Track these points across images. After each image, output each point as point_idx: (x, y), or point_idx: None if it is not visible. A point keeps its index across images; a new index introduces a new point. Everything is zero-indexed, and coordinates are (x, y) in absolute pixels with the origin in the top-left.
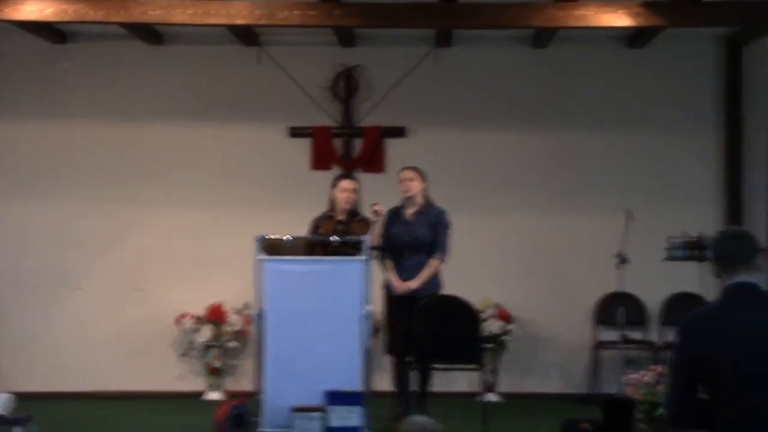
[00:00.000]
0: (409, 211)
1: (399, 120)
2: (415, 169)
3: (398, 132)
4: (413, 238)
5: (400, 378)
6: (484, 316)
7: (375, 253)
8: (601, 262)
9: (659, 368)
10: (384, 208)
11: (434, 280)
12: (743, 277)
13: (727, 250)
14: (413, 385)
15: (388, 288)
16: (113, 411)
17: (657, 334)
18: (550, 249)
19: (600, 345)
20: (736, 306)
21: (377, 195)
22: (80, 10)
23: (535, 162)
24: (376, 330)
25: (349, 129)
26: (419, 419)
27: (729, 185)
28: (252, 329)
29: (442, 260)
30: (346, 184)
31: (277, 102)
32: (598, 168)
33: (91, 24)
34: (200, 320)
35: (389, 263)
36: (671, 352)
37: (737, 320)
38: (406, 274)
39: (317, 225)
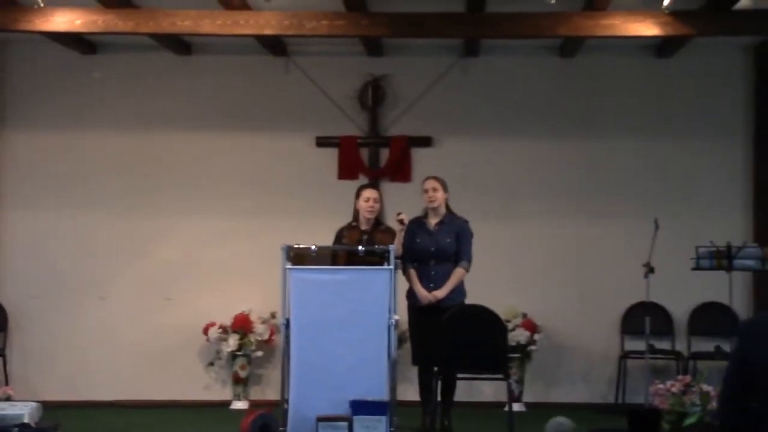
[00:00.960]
0: (433, 221)
1: (426, 130)
2: (438, 178)
3: (425, 142)
4: (438, 248)
5: (426, 387)
6: (510, 325)
7: (399, 262)
8: (628, 272)
9: (686, 378)
10: (407, 217)
11: (459, 290)
12: None
13: None
14: (439, 394)
15: (411, 298)
16: (139, 420)
17: (684, 344)
18: (577, 258)
19: (626, 355)
20: None
21: (403, 204)
22: (110, 21)
23: (563, 171)
24: (401, 340)
25: (375, 138)
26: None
27: (757, 194)
28: (278, 338)
29: (467, 269)
30: (368, 193)
31: (305, 112)
32: (625, 177)
33: (120, 35)
34: (226, 329)
35: (413, 273)
36: (729, 358)
37: None
38: (431, 284)
39: (341, 235)
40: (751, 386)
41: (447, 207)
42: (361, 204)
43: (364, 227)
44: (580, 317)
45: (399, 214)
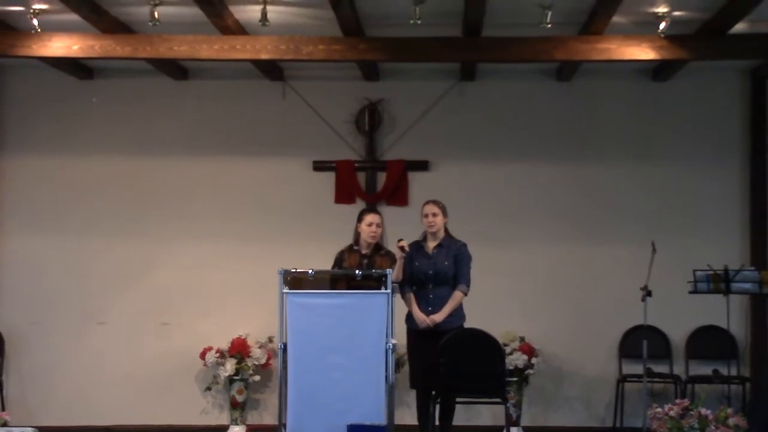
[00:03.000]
0: (431, 244)
1: (422, 154)
2: (438, 203)
3: (422, 166)
4: (436, 271)
5: (424, 411)
6: (508, 349)
7: (397, 287)
8: (626, 295)
9: (684, 402)
10: (407, 243)
11: (458, 313)
12: None
13: None
14: (437, 418)
15: (410, 321)
16: None
17: (682, 367)
18: (574, 282)
19: (624, 378)
20: None
21: (401, 228)
22: (107, 46)
23: (559, 195)
24: (399, 363)
25: (372, 163)
26: None
27: (753, 217)
28: (275, 363)
29: (465, 293)
30: (371, 218)
31: (302, 136)
32: (622, 201)
33: (117, 60)
34: (224, 354)
35: (411, 296)
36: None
37: None
38: (430, 307)
39: (342, 258)
40: None
41: (446, 230)
42: (364, 228)
43: (364, 251)
44: (578, 341)
45: (400, 240)
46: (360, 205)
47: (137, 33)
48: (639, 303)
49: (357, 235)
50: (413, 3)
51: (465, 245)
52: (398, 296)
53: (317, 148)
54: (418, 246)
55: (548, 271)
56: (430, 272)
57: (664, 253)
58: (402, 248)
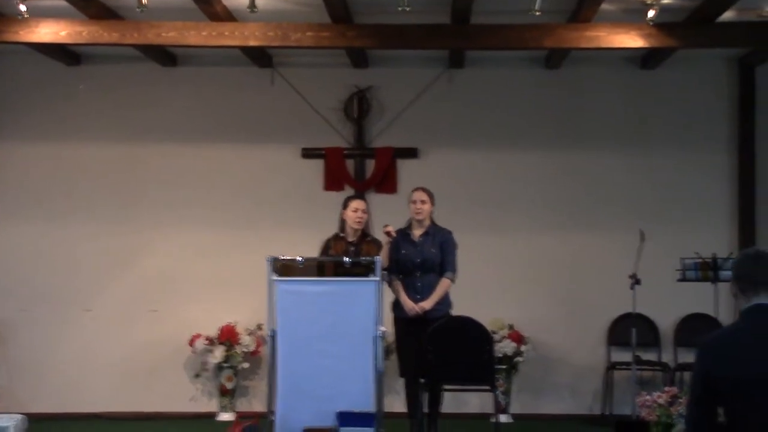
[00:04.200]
0: (417, 232)
1: (411, 141)
2: (426, 190)
3: (410, 153)
4: (424, 259)
5: (413, 399)
6: (496, 337)
7: (385, 274)
8: (614, 283)
9: (673, 389)
10: (394, 229)
11: (445, 300)
12: (763, 300)
13: (748, 271)
14: (426, 406)
15: (397, 309)
16: None
17: (670, 355)
18: (563, 270)
19: (613, 366)
20: (755, 328)
21: (389, 216)
22: (94, 32)
23: (548, 182)
24: (388, 351)
25: (361, 150)
26: None
27: (742, 206)
28: (264, 350)
29: (452, 280)
30: (356, 204)
31: (290, 123)
32: (610, 188)
33: (105, 46)
34: (213, 341)
35: (398, 284)
36: (691, 375)
37: (755, 343)
38: (417, 295)
39: (328, 246)
40: (718, 402)
41: (431, 218)
42: (349, 215)
43: (350, 238)
44: (567, 329)
45: (386, 226)
46: (349, 192)
47: (125, 19)
48: (628, 291)
49: (342, 223)
50: None
51: (450, 233)
52: (386, 284)
53: (306, 135)
54: (403, 234)
55: (537, 259)
56: (418, 260)
57: (652, 241)
58: (388, 233)
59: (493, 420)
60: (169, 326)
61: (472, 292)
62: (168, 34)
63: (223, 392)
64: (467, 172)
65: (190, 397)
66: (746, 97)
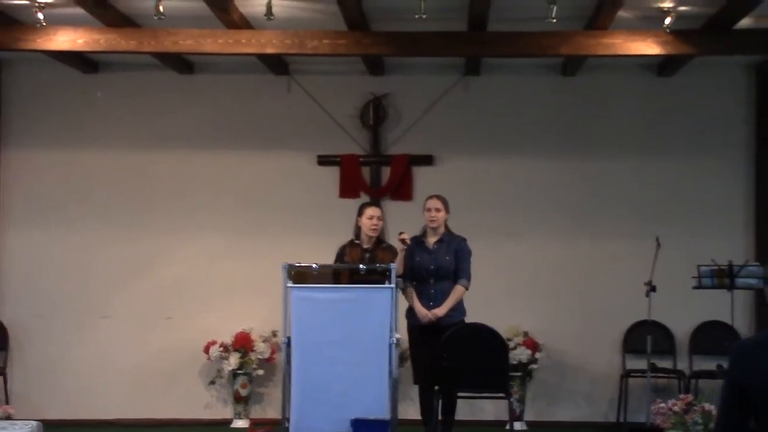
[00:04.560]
0: (431, 240)
1: (427, 148)
2: (441, 198)
3: (426, 160)
4: (438, 266)
5: (427, 406)
6: (511, 344)
7: (399, 281)
8: (630, 290)
9: (688, 397)
10: (409, 236)
11: (459, 307)
12: None
13: None
14: (440, 413)
15: (410, 317)
16: None
17: (686, 362)
18: (578, 276)
19: (628, 373)
20: None
21: (405, 223)
22: (112, 40)
23: (564, 189)
24: (403, 358)
25: (377, 157)
26: None
27: (758, 213)
28: (279, 357)
29: (466, 287)
30: (371, 211)
31: (306, 130)
32: (626, 195)
33: (122, 53)
34: (228, 348)
35: (412, 291)
36: (723, 381)
37: None
38: (431, 302)
39: (343, 253)
40: (751, 410)
41: (446, 226)
42: (365, 222)
43: (365, 245)
44: (582, 336)
45: (401, 233)
46: (364, 199)
47: (142, 27)
48: (643, 298)
49: (357, 230)
50: None
51: (465, 240)
52: (399, 291)
53: (322, 142)
54: (418, 241)
55: (552, 266)
56: (432, 267)
57: (668, 249)
58: (403, 241)
59: (507, 427)
60: (184, 333)
61: (487, 299)
62: (185, 42)
63: (238, 399)
64: (483, 179)
65: (204, 404)
66: (763, 104)
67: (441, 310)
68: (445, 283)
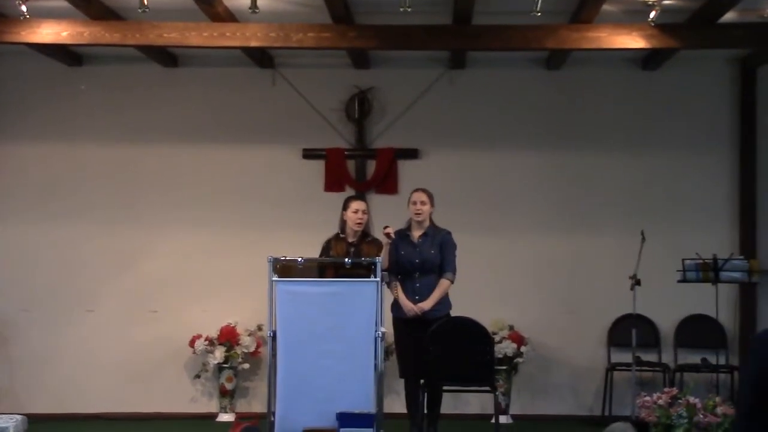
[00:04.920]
0: (416, 233)
1: (412, 142)
2: (426, 191)
3: (411, 154)
4: (423, 260)
5: (413, 400)
6: (497, 337)
7: (384, 275)
8: (615, 284)
9: (673, 390)
10: (393, 230)
11: (444, 301)
12: None
13: None
14: (425, 407)
15: (396, 310)
16: None
17: (671, 356)
18: (564, 270)
19: (613, 367)
20: None
21: (390, 217)
22: (96, 32)
23: (549, 183)
24: (388, 352)
25: (362, 151)
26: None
27: (743, 207)
28: (264, 351)
29: (452, 281)
30: (357, 205)
31: (291, 123)
32: (611, 189)
33: (106, 46)
34: (213, 342)
35: (397, 285)
36: (742, 372)
37: None
38: (416, 296)
39: (328, 247)
40: None
41: (430, 219)
42: (350, 215)
43: (351, 239)
44: (567, 329)
45: (386, 227)
46: (349, 193)
47: (126, 20)
48: (628, 292)
49: (343, 223)
50: None
51: (449, 233)
52: (385, 284)
53: (307, 135)
54: (402, 235)
55: (538, 260)
56: (417, 261)
57: (653, 242)
58: (388, 235)
59: (493, 421)
60: (169, 327)
61: (473, 293)
62: (169, 35)
63: (223, 393)
64: (468, 173)
65: (190, 397)
66: (748, 99)
67: (427, 304)
68: (431, 276)
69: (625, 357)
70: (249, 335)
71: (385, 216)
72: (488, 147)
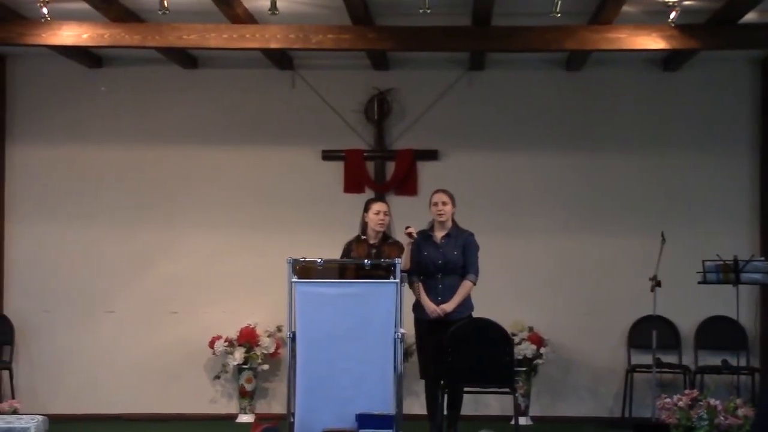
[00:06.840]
0: (439, 234)
1: (432, 143)
2: (447, 192)
3: (431, 155)
4: (446, 261)
5: (433, 401)
6: (516, 339)
7: (405, 276)
8: (635, 285)
9: (693, 392)
10: (416, 231)
11: (466, 302)
12: None
13: None
14: (445, 408)
15: (417, 311)
16: None
17: (691, 357)
18: (583, 272)
19: (633, 368)
20: None
21: (409, 218)
22: (116, 34)
23: (569, 184)
24: (408, 353)
25: (381, 152)
26: None
27: (763, 208)
28: (284, 352)
29: (474, 282)
30: (378, 207)
31: (311, 125)
32: (631, 190)
33: (126, 48)
34: (233, 343)
35: (419, 286)
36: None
37: None
38: (438, 297)
39: (350, 248)
40: None
41: (453, 220)
42: (371, 217)
43: (372, 240)
44: (587, 331)
45: (408, 227)
46: (369, 194)
47: (146, 21)
48: (648, 293)
49: (364, 225)
50: None
51: (472, 234)
52: (406, 285)
53: (326, 137)
54: (425, 235)
55: (557, 261)
56: (440, 262)
57: (673, 244)
58: (410, 235)
59: (512, 422)
60: (189, 328)
61: (492, 294)
62: (189, 37)
63: (243, 394)
64: (487, 174)
65: (209, 398)
66: None
67: (450, 306)
68: (453, 277)
69: (645, 359)
70: (268, 336)
71: (405, 217)
72: (508, 148)
